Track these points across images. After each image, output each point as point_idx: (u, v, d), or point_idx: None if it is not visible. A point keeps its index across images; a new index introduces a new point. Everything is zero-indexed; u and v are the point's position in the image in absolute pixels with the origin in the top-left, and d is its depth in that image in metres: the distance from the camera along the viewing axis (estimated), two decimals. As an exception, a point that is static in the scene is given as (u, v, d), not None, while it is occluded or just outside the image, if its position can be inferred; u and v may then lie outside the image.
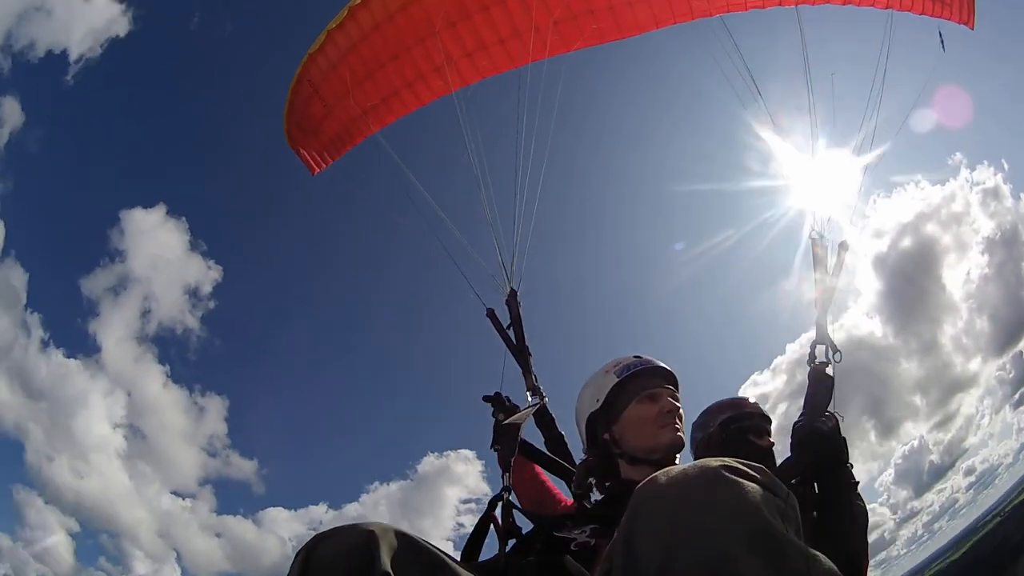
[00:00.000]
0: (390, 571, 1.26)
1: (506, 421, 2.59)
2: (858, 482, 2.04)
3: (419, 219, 3.91)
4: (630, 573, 1.07)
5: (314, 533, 1.41)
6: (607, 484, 2.31)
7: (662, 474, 1.15)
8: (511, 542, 1.93)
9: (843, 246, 2.84)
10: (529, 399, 2.95)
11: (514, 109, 3.88)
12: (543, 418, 2.84)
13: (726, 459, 1.16)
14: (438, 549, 1.41)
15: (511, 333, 3.18)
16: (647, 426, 2.19)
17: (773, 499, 1.08)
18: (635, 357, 2.37)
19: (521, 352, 3.10)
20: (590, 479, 2.36)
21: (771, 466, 2.25)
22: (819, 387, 2.30)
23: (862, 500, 2.02)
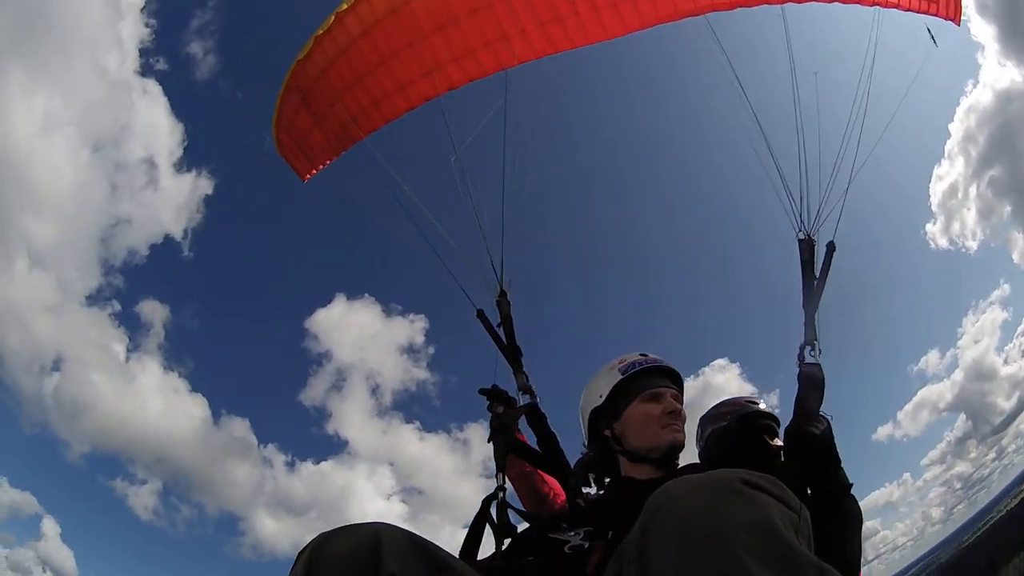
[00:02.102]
0: (395, 571, 1.26)
1: (498, 422, 2.61)
2: (851, 484, 2.02)
3: (407, 221, 3.91)
4: None
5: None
6: (607, 480, 2.34)
7: (677, 484, 1.17)
8: (507, 542, 1.97)
9: (830, 247, 2.85)
10: (520, 398, 2.97)
11: (500, 110, 3.90)
12: (535, 417, 2.84)
13: (740, 470, 1.17)
14: (443, 549, 1.41)
15: (501, 333, 3.20)
16: (649, 425, 2.23)
17: (787, 512, 1.10)
18: (641, 355, 2.41)
19: (511, 351, 3.12)
20: (589, 474, 2.40)
21: (778, 466, 2.22)
22: (810, 390, 2.29)
23: (855, 503, 2.00)
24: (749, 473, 1.16)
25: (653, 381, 2.31)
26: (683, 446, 2.23)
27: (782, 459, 2.39)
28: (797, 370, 2.41)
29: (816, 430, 2.06)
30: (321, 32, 4.20)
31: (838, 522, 1.91)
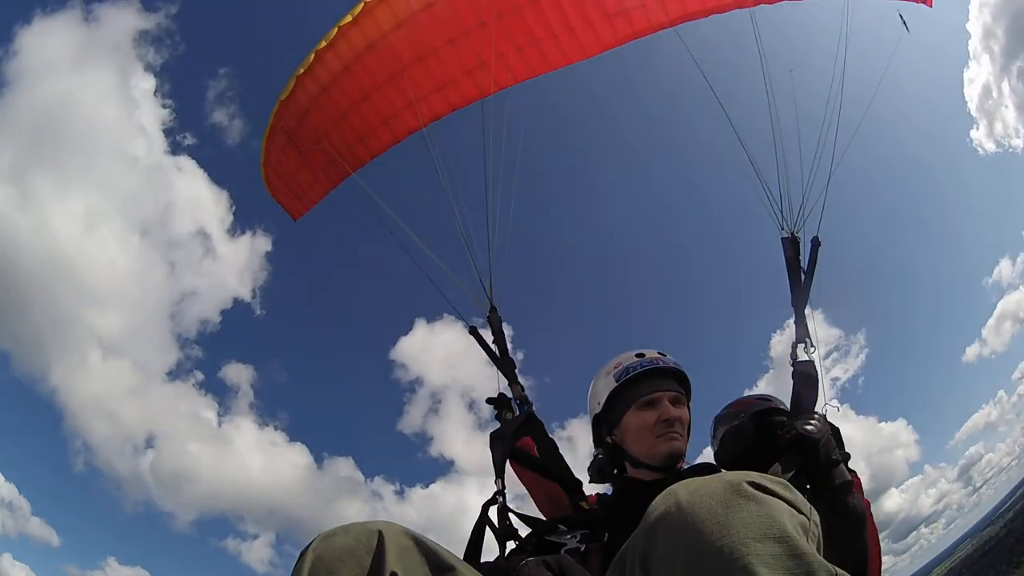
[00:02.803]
0: (398, 571, 1.26)
1: (497, 430, 2.62)
2: (851, 481, 1.94)
3: (395, 244, 3.92)
4: None
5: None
6: (615, 478, 2.34)
7: (683, 487, 1.12)
8: (510, 545, 1.99)
9: (815, 242, 2.83)
10: (516, 408, 2.95)
11: (482, 133, 3.90)
12: (532, 425, 2.80)
13: (749, 472, 1.13)
14: (446, 550, 1.40)
15: (495, 347, 3.21)
16: (644, 435, 2.20)
17: (797, 515, 1.06)
18: (636, 356, 2.35)
19: (505, 364, 3.13)
20: (601, 476, 2.38)
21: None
22: (804, 387, 2.25)
23: (857, 499, 1.93)
24: (758, 475, 1.12)
25: (649, 386, 2.26)
26: (682, 455, 2.19)
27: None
28: (791, 368, 2.38)
29: (810, 428, 2.00)
30: (302, 71, 4.28)
31: (840, 521, 1.85)
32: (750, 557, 0.94)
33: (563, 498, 2.63)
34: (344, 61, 4.27)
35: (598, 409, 2.35)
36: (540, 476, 2.60)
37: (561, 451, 2.68)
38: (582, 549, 1.84)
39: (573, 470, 2.51)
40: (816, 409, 2.17)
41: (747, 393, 2.85)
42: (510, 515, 2.12)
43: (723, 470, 2.03)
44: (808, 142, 3.28)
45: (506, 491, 2.21)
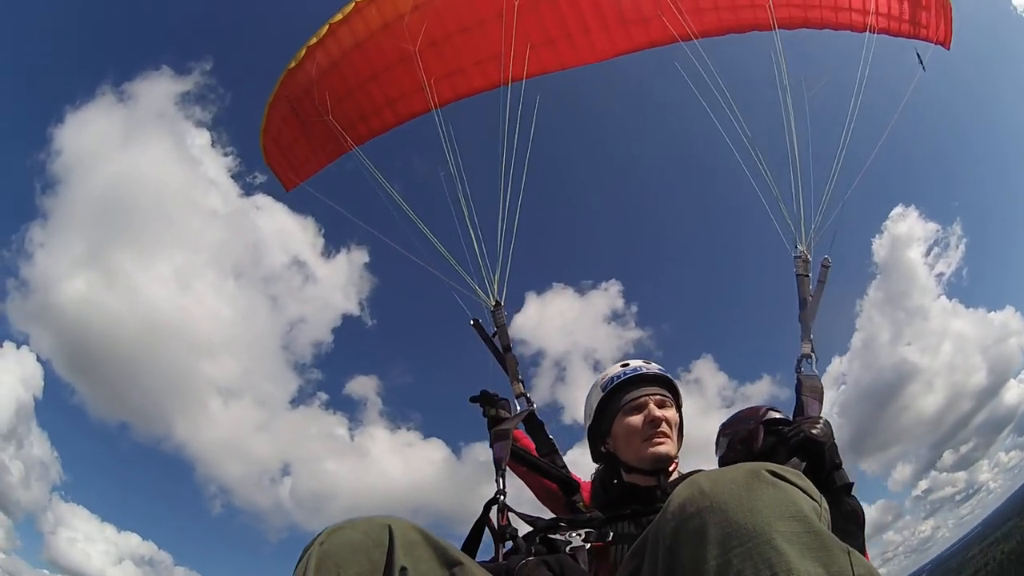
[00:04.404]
0: (407, 565, 1.25)
1: (496, 428, 2.61)
2: (852, 484, 2.01)
3: (400, 234, 3.86)
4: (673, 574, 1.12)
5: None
6: (614, 485, 2.36)
7: (703, 476, 1.19)
8: (508, 544, 1.98)
9: (825, 263, 2.88)
10: (517, 406, 2.95)
11: (495, 125, 3.86)
12: (532, 424, 2.80)
13: (766, 463, 1.20)
14: (452, 546, 1.40)
15: (497, 343, 3.21)
16: (633, 440, 2.26)
17: (810, 500, 1.14)
18: (621, 365, 2.42)
19: (507, 360, 3.13)
20: (603, 487, 2.40)
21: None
22: (809, 397, 2.31)
23: (856, 501, 2.00)
24: (774, 465, 1.19)
25: (634, 392, 2.32)
26: (670, 457, 2.23)
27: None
28: (796, 382, 2.41)
29: (817, 431, 2.04)
30: (314, 42, 4.25)
31: (841, 520, 1.87)
32: (774, 534, 1.02)
33: (562, 497, 2.65)
34: (358, 37, 4.24)
35: (590, 421, 2.42)
36: (539, 475, 2.62)
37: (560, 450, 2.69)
38: (587, 547, 1.88)
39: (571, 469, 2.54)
40: (820, 415, 2.22)
41: (747, 405, 2.96)
42: (510, 514, 2.11)
43: None
44: (824, 162, 3.29)
45: (507, 490, 2.21)
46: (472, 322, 3.32)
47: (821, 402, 2.30)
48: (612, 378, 2.38)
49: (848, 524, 1.91)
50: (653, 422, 2.23)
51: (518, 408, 2.96)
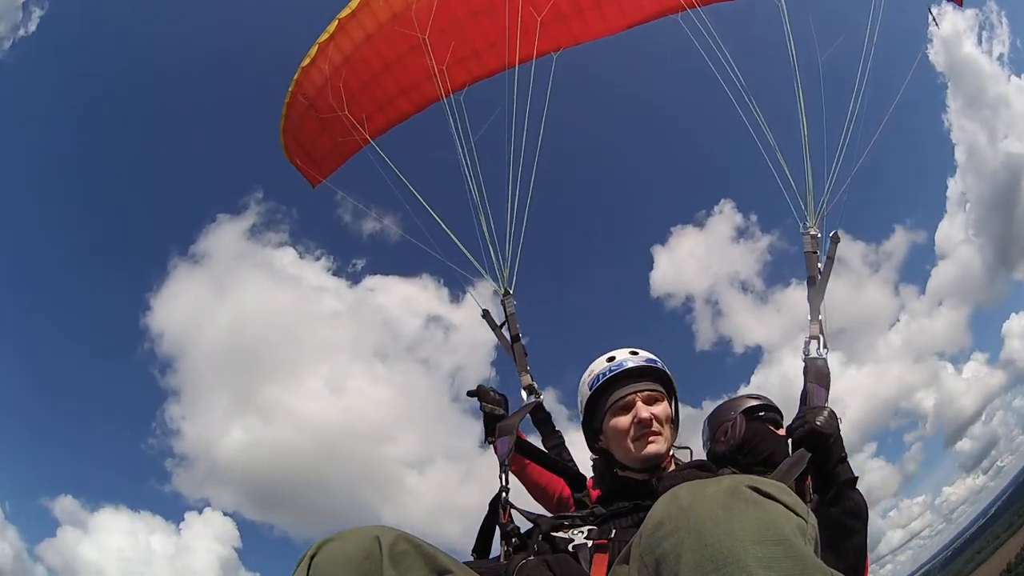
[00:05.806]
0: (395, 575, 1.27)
1: (503, 422, 2.62)
2: (856, 478, 2.02)
3: (412, 223, 3.95)
4: None
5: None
6: (613, 477, 2.32)
7: (685, 490, 1.17)
8: (513, 541, 1.99)
9: (834, 238, 2.82)
10: (525, 397, 2.97)
11: (505, 111, 3.90)
12: (539, 416, 2.84)
13: (748, 476, 1.19)
14: (443, 553, 1.41)
15: (506, 332, 3.23)
16: (622, 440, 2.19)
17: (795, 518, 1.10)
18: (607, 360, 2.32)
19: (515, 350, 3.13)
20: (603, 480, 2.38)
21: (784, 455, 2.19)
22: (816, 383, 2.25)
23: (861, 496, 2.01)
24: (757, 479, 1.17)
25: (622, 389, 2.23)
26: (661, 455, 2.17)
27: (787, 447, 2.32)
28: (803, 364, 2.38)
29: (823, 423, 2.03)
30: (325, 38, 4.23)
31: (844, 515, 1.93)
32: (750, 560, 0.97)
33: (549, 490, 2.73)
34: (367, 30, 4.22)
35: (582, 417, 2.37)
36: (545, 469, 2.66)
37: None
38: (589, 545, 1.82)
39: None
40: (826, 404, 2.16)
41: (740, 392, 2.94)
42: (512, 511, 2.13)
43: (715, 467, 2.15)
44: (833, 138, 3.24)
45: (509, 486, 2.23)
46: (482, 313, 3.34)
47: (828, 388, 2.23)
48: (597, 376, 2.29)
49: (851, 520, 1.91)
50: (641, 423, 2.16)
51: (524, 400, 2.95)
